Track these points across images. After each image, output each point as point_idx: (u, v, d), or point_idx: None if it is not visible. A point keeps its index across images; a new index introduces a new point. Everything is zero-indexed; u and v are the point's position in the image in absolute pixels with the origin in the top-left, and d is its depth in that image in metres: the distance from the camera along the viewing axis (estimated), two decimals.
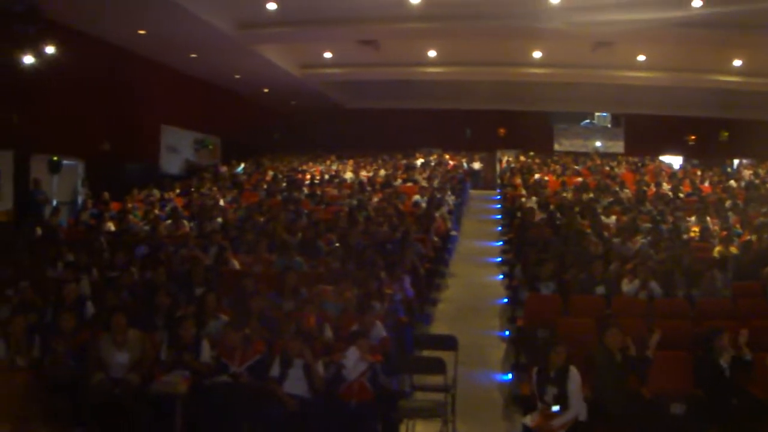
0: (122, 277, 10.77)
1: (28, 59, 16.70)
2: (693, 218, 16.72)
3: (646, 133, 33.00)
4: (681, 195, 20.72)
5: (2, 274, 10.86)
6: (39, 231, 15.30)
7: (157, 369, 7.91)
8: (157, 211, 18.10)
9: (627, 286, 10.68)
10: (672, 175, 25.61)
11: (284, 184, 22.57)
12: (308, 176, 25.24)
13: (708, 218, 16.45)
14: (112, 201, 19.19)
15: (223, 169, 27.50)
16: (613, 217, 16.62)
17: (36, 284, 10.29)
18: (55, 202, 18.89)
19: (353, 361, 7.47)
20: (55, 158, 19.22)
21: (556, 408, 7.05)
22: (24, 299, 9.52)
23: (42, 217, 16.86)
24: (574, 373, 7.18)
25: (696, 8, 17.25)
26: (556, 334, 8.25)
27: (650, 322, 8.65)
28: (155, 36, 20.73)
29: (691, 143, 34.09)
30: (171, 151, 27.15)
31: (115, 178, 20.91)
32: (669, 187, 22.27)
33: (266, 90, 31.15)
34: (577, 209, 17.45)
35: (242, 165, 28.85)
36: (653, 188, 21.85)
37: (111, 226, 16.24)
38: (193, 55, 23.90)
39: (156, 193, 21.08)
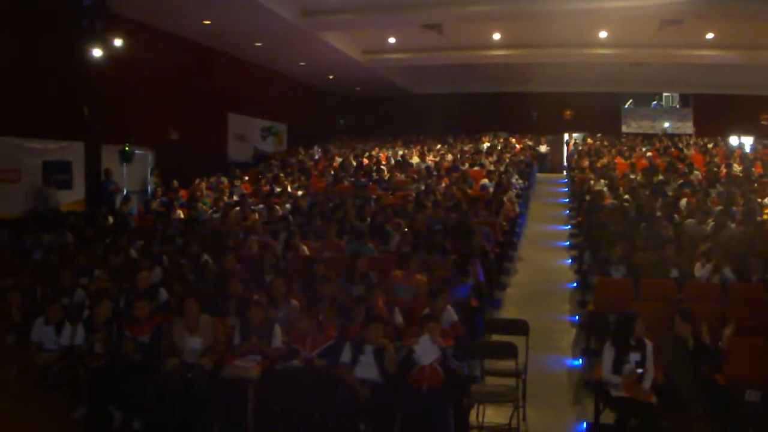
0: (192, 264, 11.00)
1: (97, 52, 17.01)
2: (766, 200, 16.36)
3: (715, 113, 32.28)
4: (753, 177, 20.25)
5: (78, 263, 11.17)
6: (111, 220, 15.66)
7: (230, 354, 8.02)
8: (226, 198, 18.37)
9: (699, 270, 10.43)
10: (743, 156, 25.06)
11: (352, 170, 22.64)
12: (375, 161, 25.28)
13: None
14: (181, 189, 19.49)
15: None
16: (684, 200, 16.36)
17: (110, 272, 10.53)
18: (125, 191, 19.28)
19: (425, 348, 7.49)
20: (127, 148, 19.59)
21: (640, 370, 7.21)
22: (100, 287, 9.68)
23: (113, 207, 17.21)
24: (650, 345, 7.38)
25: None
26: (632, 311, 8.16)
27: (726, 313, 8.48)
28: (220, 25, 20.89)
29: (763, 123, 33.26)
30: (238, 138, 27.44)
31: (184, 167, 21.23)
32: (740, 168, 21.81)
33: (331, 76, 31.27)
34: (647, 192, 17.22)
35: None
36: (724, 169, 21.42)
37: (180, 214, 16.52)
38: (258, 44, 24.06)
39: (225, 180, 21.35)
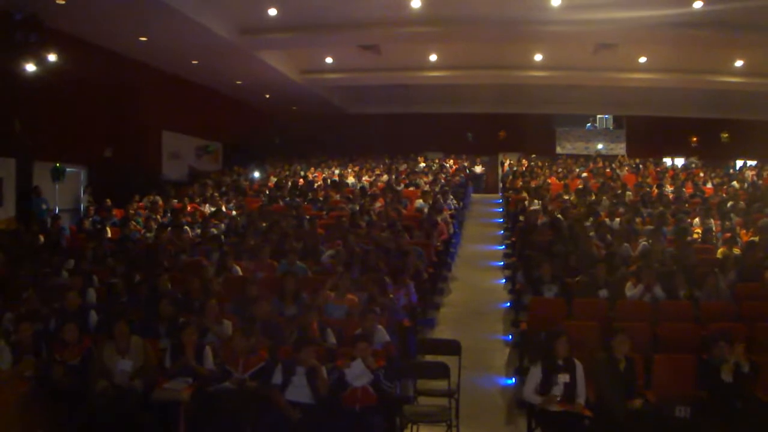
0: (124, 285, 10.81)
1: (30, 67, 16.76)
2: (696, 220, 16.66)
3: (648, 134, 32.94)
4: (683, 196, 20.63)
5: (7, 282, 10.89)
6: (41, 239, 15.33)
7: (161, 376, 7.94)
8: (159, 218, 18.12)
9: (630, 290, 10.59)
10: (674, 176, 25.53)
11: (287, 190, 22.54)
12: (310, 181, 25.19)
13: (711, 219, 16.41)
14: (114, 208, 19.17)
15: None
16: (617, 220, 16.55)
17: (40, 292, 10.29)
18: (56, 210, 18.92)
19: (357, 371, 7.45)
20: (59, 166, 19.24)
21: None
22: (29, 307, 9.55)
23: (44, 225, 16.88)
24: (579, 365, 7.47)
25: (696, 8, 17.27)
26: (558, 327, 8.20)
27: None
28: (157, 43, 20.75)
29: (693, 144, 34.01)
30: (173, 157, 27.17)
31: (117, 185, 20.89)
32: (671, 188, 22.20)
33: (268, 95, 31.15)
34: (579, 211, 17.40)
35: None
36: (655, 190, 21.78)
37: (112, 233, 16.24)
38: (195, 62, 23.94)
39: (158, 199, 21.08)
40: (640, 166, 29.14)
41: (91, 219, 18.08)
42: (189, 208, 19.69)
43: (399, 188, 22.96)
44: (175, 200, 20.88)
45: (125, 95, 22.47)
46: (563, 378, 7.36)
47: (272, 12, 18.64)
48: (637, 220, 16.24)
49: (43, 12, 16.75)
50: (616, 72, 25.88)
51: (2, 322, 9.27)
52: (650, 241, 13.62)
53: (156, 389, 7.68)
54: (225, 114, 30.52)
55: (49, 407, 7.66)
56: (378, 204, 19.40)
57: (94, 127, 20.89)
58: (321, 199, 20.58)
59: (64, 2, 16.53)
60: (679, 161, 33.17)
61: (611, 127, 36.72)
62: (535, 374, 7.54)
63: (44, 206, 18.04)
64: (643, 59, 24.28)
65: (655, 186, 22.58)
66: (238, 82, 27.99)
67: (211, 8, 18.38)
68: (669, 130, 32.40)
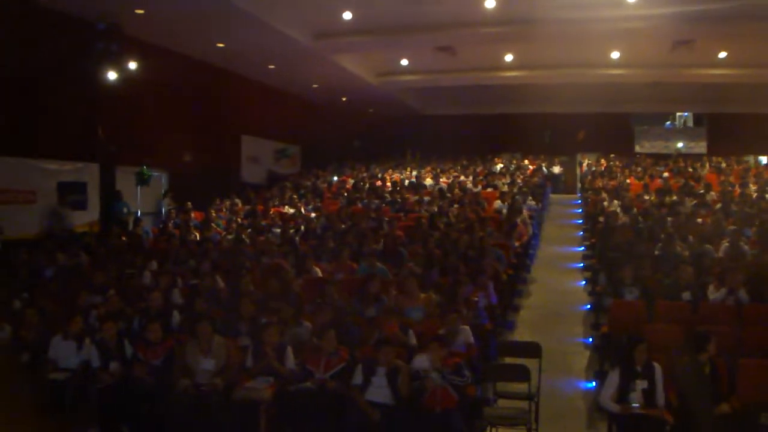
0: (207, 285, 11.02)
1: (112, 75, 17.26)
2: None
3: (729, 132, 32.10)
4: None
5: (93, 283, 11.21)
6: (124, 240, 15.74)
7: (242, 375, 8.05)
8: (239, 220, 18.43)
9: (714, 293, 10.34)
10: (757, 175, 24.90)
11: (365, 192, 22.68)
12: (388, 184, 25.28)
13: None
14: (194, 211, 19.58)
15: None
16: (699, 220, 16.27)
17: (123, 293, 10.58)
18: (138, 213, 19.40)
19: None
20: (144, 169, 19.72)
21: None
22: (113, 307, 9.78)
23: (126, 227, 17.32)
24: (659, 368, 7.30)
25: None
26: (639, 333, 8.12)
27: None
28: (234, 48, 21.13)
29: None
30: (252, 160, 27.56)
31: (197, 189, 21.32)
32: (755, 188, 21.69)
33: (344, 98, 31.40)
34: (660, 212, 17.15)
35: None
36: (738, 189, 21.31)
37: (195, 236, 16.57)
38: (272, 66, 24.25)
39: (238, 202, 21.43)
40: (722, 164, 28.53)
41: (172, 222, 18.48)
42: (271, 211, 19.93)
43: (477, 189, 22.92)
44: (256, 203, 21.20)
45: (204, 101, 22.95)
46: (641, 384, 7.22)
47: (347, 16, 18.71)
48: (721, 221, 15.89)
49: (123, 21, 17.33)
50: (694, 68, 25.23)
51: (88, 321, 9.53)
52: (734, 242, 13.37)
53: (237, 388, 7.79)
54: (302, 117, 30.81)
55: (133, 403, 7.85)
56: (456, 205, 19.37)
57: (174, 133, 21.28)
58: (399, 200, 20.64)
59: (143, 12, 16.96)
60: (764, 159, 32.31)
61: (691, 125, 36.01)
62: (613, 380, 7.41)
63: (126, 209, 18.46)
64: (722, 54, 23.71)
65: (737, 185, 22.09)
66: (315, 86, 28.24)
67: (287, 14, 18.55)
68: (752, 127, 31.43)
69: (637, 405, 7.16)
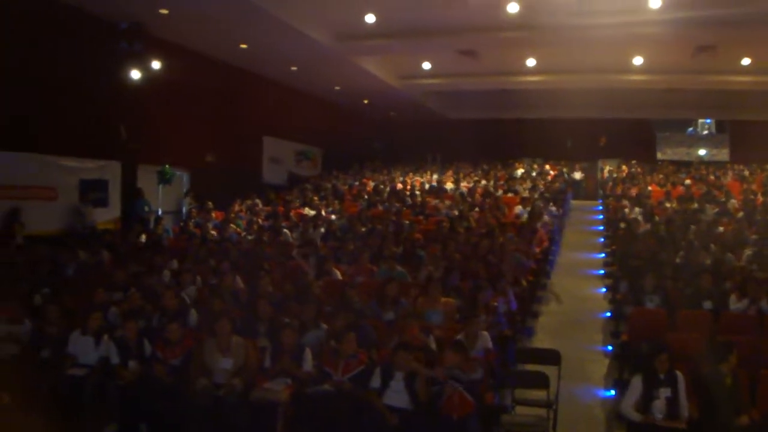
0: (227, 286, 11.02)
1: (135, 74, 17.40)
2: None
3: (752, 139, 31.82)
4: None
5: (113, 280, 11.25)
6: (144, 238, 15.81)
7: (260, 376, 8.04)
8: (260, 221, 18.47)
9: (735, 303, 10.29)
10: None
11: (386, 195, 22.70)
12: (409, 187, 25.29)
13: None
14: (214, 210, 19.65)
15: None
16: (720, 228, 16.15)
17: (143, 291, 10.59)
18: (159, 212, 19.49)
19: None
20: (166, 168, 19.83)
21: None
22: (133, 305, 9.80)
23: (147, 226, 17.41)
24: (682, 377, 7.23)
25: None
26: (660, 342, 8.06)
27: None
28: (257, 50, 21.16)
29: None
30: (273, 161, 27.63)
31: (218, 189, 21.41)
32: None
33: (366, 101, 31.42)
34: (682, 219, 17.06)
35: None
36: (761, 197, 21.15)
37: (214, 235, 16.62)
38: (294, 68, 24.28)
39: (258, 202, 21.48)
40: (745, 172, 28.32)
41: (193, 221, 18.55)
42: (292, 213, 19.96)
43: (497, 194, 22.88)
44: (277, 204, 21.24)
45: (226, 101, 23.04)
46: (665, 392, 7.15)
47: (370, 18, 18.69)
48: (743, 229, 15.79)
49: (147, 21, 17.47)
50: (717, 74, 25.12)
51: (107, 317, 9.55)
52: (757, 251, 13.27)
53: (255, 389, 7.78)
54: (324, 119, 30.86)
55: (152, 402, 7.86)
56: (477, 209, 19.34)
57: (196, 132, 21.45)
58: (419, 204, 20.63)
59: (167, 12, 17.05)
60: None
61: (713, 132, 35.78)
62: (636, 387, 7.32)
63: (147, 208, 18.56)
64: (746, 61, 23.54)
65: (760, 193, 21.92)
66: (337, 88, 28.26)
67: (309, 16, 18.58)
68: None
69: (660, 415, 7.08)
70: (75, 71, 15.95)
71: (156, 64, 17.92)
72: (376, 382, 7.60)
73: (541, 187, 24.68)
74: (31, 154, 15.76)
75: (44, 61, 15.34)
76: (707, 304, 10.27)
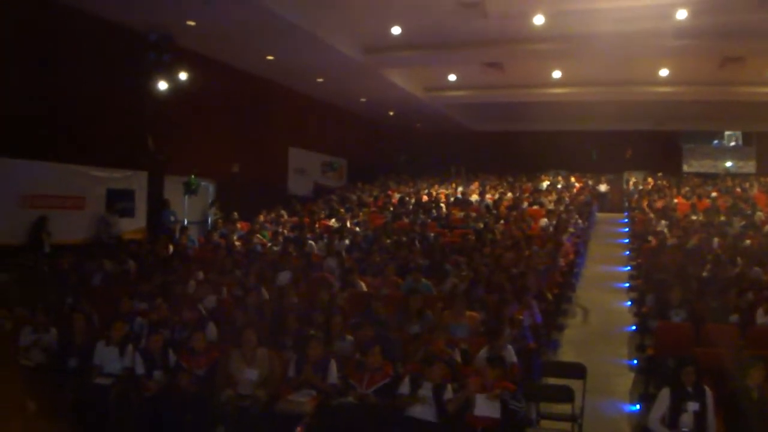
0: (252, 298, 11.04)
1: (163, 85, 17.54)
2: None
3: None
4: None
5: (140, 290, 11.31)
6: (170, 249, 15.90)
7: (285, 387, 8.02)
8: (285, 232, 18.52)
9: (762, 317, 10.21)
10: None
11: (411, 207, 22.71)
12: (434, 198, 25.26)
13: None
14: (240, 221, 19.72)
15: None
16: (747, 241, 16.04)
17: (169, 301, 10.63)
18: (185, 222, 19.60)
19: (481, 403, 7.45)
20: (193, 179, 19.95)
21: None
22: (158, 317, 9.84)
23: (173, 236, 17.52)
24: (709, 392, 7.12)
25: None
26: (687, 355, 7.99)
27: None
28: (283, 61, 21.31)
29: None
30: (299, 172, 27.72)
31: (243, 199, 21.49)
32: None
33: (392, 112, 31.49)
34: (708, 233, 16.95)
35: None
36: None
37: (238, 246, 16.67)
38: (320, 80, 24.42)
39: (284, 213, 21.54)
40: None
41: (219, 231, 18.62)
42: (317, 225, 20.01)
43: (523, 206, 22.83)
44: (303, 215, 21.29)
45: (253, 112, 23.20)
46: (693, 406, 7.05)
47: (396, 31, 18.77)
48: None
49: (175, 33, 17.58)
50: (744, 86, 24.94)
51: (133, 328, 9.61)
52: None
53: (280, 400, 7.77)
54: (350, 131, 31.03)
55: (176, 413, 7.87)
56: (502, 222, 19.31)
57: (222, 143, 21.60)
58: (444, 216, 20.62)
59: (194, 23, 17.20)
60: None
61: (740, 144, 35.52)
62: (663, 400, 7.20)
63: (173, 218, 18.65)
64: None
65: None
66: (363, 100, 28.40)
67: (336, 28, 18.74)
68: None
69: (687, 430, 7.01)
70: (104, 82, 16.09)
71: (183, 75, 18.02)
72: (404, 388, 7.57)
73: (567, 199, 24.58)
74: (59, 164, 15.93)
75: (74, 72, 15.47)
76: (734, 318, 10.19)
